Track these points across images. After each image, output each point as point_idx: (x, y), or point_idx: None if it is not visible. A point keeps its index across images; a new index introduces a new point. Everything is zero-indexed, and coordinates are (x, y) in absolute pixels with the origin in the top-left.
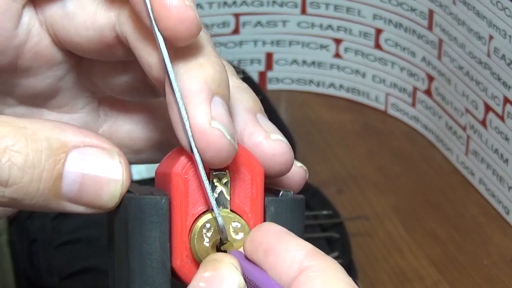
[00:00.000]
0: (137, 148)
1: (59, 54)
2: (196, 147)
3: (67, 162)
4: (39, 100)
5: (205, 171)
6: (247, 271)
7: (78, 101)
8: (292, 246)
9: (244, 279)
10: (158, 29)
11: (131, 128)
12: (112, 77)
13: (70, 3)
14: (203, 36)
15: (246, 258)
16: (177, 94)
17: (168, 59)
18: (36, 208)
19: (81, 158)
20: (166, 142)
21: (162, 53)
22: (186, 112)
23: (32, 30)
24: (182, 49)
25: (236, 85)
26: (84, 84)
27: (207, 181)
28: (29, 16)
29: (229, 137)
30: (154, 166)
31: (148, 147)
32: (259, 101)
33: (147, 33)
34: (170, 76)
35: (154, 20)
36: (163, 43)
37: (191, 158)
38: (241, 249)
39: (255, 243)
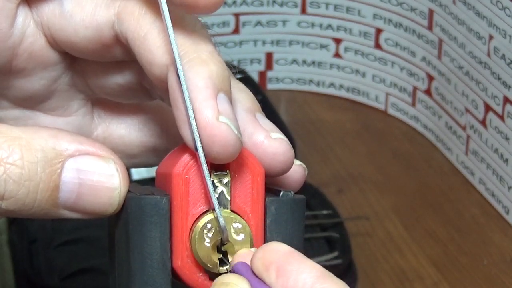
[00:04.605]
0: (131, 153)
1: (54, 55)
2: (201, 144)
3: (63, 172)
4: (33, 103)
5: (207, 170)
6: None
7: (72, 103)
8: (304, 268)
9: None
10: (171, 20)
11: (125, 132)
12: (107, 78)
13: (68, 2)
14: (204, 33)
15: (253, 272)
16: (185, 89)
17: (178, 53)
18: (35, 217)
19: (77, 168)
20: (161, 147)
21: (172, 48)
22: (192, 108)
23: (27, 30)
24: (185, 46)
25: (234, 85)
26: (78, 86)
27: (210, 179)
28: (23, 16)
29: (236, 132)
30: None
31: (143, 151)
32: (256, 100)
33: (148, 31)
34: (178, 69)
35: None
36: (173, 38)
37: (192, 158)
38: (243, 255)
39: (265, 262)
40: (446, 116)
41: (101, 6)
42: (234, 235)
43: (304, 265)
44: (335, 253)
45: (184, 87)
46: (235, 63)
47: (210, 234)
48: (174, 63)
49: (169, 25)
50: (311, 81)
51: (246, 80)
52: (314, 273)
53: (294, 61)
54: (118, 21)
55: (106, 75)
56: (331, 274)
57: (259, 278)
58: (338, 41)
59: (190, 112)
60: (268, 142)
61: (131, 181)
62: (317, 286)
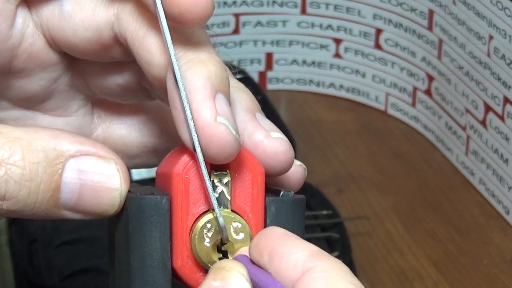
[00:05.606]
0: (131, 153)
1: (54, 55)
2: (200, 144)
3: (64, 172)
4: (33, 103)
5: (207, 170)
6: (253, 274)
7: (72, 103)
8: (296, 248)
9: (251, 283)
10: (166, 21)
11: (125, 132)
12: (107, 78)
13: (67, 3)
14: (202, 34)
15: (252, 261)
16: (182, 90)
17: (174, 53)
18: (36, 217)
19: (78, 168)
20: (161, 147)
21: (168, 48)
22: (190, 108)
23: (27, 31)
24: (183, 46)
25: (234, 85)
26: (78, 86)
27: (209, 179)
28: (23, 17)
29: (234, 132)
30: None
31: (143, 152)
32: (256, 100)
33: (147, 31)
34: (175, 71)
35: (163, 8)
36: (169, 38)
37: (192, 158)
38: (245, 252)
39: (260, 247)
40: (446, 116)
41: (100, 6)
42: (234, 235)
43: (295, 246)
44: (335, 253)
45: (181, 88)
46: (235, 63)
47: (210, 234)
48: (172, 63)
49: (165, 25)
50: (311, 81)
51: (246, 80)
52: (305, 252)
53: (294, 61)
54: (117, 21)
55: (106, 75)
56: (323, 251)
57: (257, 265)
58: (338, 41)
59: (188, 112)
60: (268, 141)
61: (131, 181)
62: (308, 265)
